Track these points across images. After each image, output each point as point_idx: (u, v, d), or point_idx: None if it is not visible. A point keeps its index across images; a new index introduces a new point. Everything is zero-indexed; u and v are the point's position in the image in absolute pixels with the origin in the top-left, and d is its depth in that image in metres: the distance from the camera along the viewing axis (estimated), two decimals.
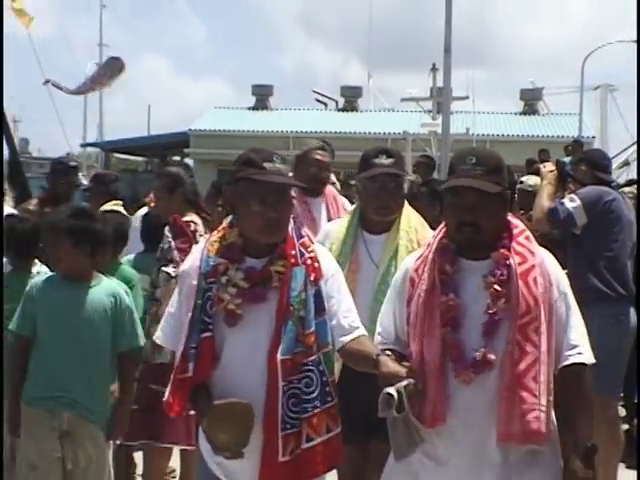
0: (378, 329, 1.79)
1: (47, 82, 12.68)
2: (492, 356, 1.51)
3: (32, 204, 4.16)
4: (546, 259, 1.64)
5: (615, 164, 7.54)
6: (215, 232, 1.80)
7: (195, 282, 1.68)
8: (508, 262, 1.55)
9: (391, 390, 1.43)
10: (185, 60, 65.20)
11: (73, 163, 5.15)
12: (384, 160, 2.34)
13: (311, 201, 3.24)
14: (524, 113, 22.02)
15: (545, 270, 1.59)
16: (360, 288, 2.25)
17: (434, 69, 13.95)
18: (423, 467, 1.60)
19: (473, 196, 1.56)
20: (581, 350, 1.59)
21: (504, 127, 19.07)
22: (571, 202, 3.14)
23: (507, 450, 1.53)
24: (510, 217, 1.70)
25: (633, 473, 2.20)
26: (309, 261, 1.70)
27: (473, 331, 1.55)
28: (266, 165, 1.65)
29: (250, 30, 63.65)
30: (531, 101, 21.97)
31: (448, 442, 1.56)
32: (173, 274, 2.74)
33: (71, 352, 2.34)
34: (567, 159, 5.06)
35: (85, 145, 14.71)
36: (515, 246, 1.59)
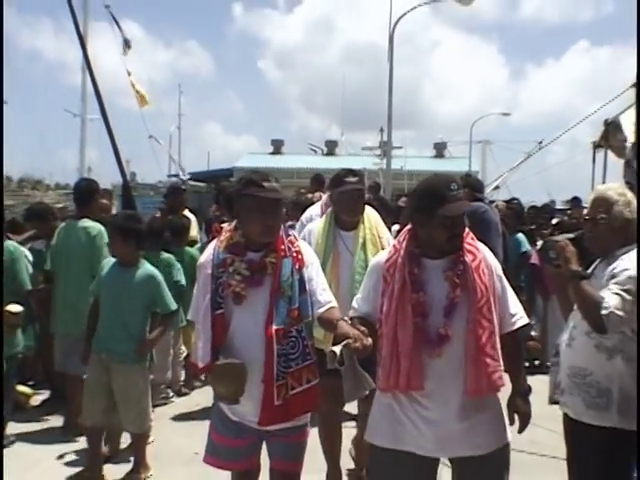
0: (354, 304, 2.24)
1: (150, 137, 18.84)
2: (450, 332, 1.96)
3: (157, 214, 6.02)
4: (486, 253, 2.14)
5: (489, 188, 11.62)
6: (223, 233, 2.31)
7: (210, 272, 2.21)
8: (462, 259, 2.02)
9: (334, 348, 1.87)
10: (231, 123, 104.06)
11: (183, 187, 7.38)
12: (352, 179, 3.14)
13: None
14: (436, 157, 34.47)
15: (487, 262, 2.09)
16: (342, 271, 3.05)
17: (381, 130, 22.32)
18: (406, 416, 2.01)
19: (462, 215, 2.07)
20: (520, 315, 2.12)
21: (424, 165, 27.41)
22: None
23: (470, 399, 1.98)
24: None
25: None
26: (295, 254, 2.23)
27: (437, 315, 1.99)
28: (264, 184, 2.14)
29: (270, 105, 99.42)
30: (440, 150, 34.47)
31: (427, 399, 1.98)
32: None
33: (113, 317, 3.41)
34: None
35: (170, 176, 21.02)
36: (466, 245, 2.06)
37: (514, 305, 2.12)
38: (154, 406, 3.92)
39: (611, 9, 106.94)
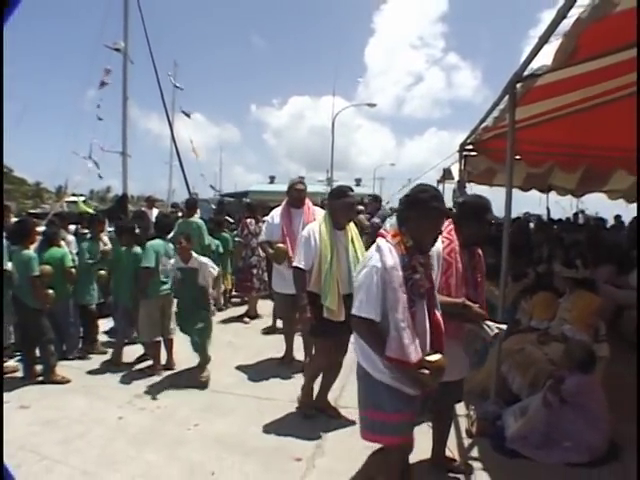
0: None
1: (202, 175, 26.16)
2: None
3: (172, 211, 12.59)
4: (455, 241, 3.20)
5: (384, 203, 13.48)
6: (388, 236, 2.64)
7: (401, 273, 2.52)
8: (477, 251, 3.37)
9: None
10: (247, 167, 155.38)
11: (226, 200, 14.61)
12: (350, 193, 4.37)
13: (294, 211, 5.51)
14: (356, 186, 44.74)
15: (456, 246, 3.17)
16: (342, 260, 4.19)
17: (327, 172, 35.63)
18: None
19: None
20: None
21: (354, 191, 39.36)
22: (374, 218, 8.18)
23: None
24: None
25: None
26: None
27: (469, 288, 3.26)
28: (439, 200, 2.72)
29: (268, 158, 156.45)
30: (358, 182, 51.72)
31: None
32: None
33: (122, 278, 5.87)
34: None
35: (216, 195, 28.32)
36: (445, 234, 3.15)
37: None
38: None
39: (448, 112, 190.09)
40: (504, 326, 3.08)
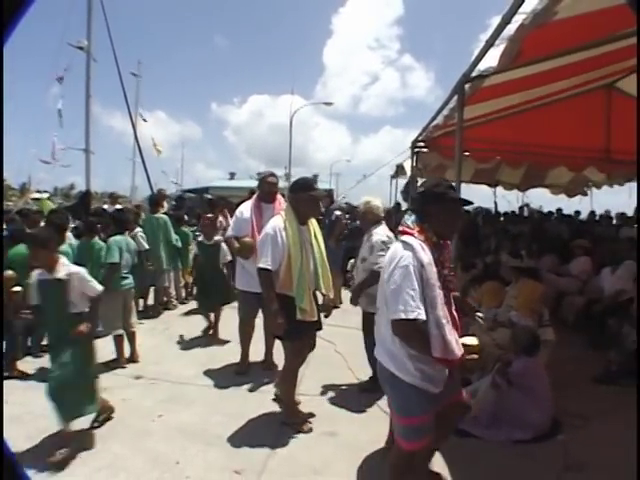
0: None
1: (163, 172, 24.67)
2: None
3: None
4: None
5: (339, 197, 17.32)
6: (415, 233, 2.56)
7: (435, 269, 2.49)
8: None
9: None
10: (208, 163, 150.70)
11: (187, 195, 17.30)
12: (316, 187, 4.16)
13: (265, 205, 5.19)
14: None
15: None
16: (309, 259, 4.05)
17: (285, 168, 34.45)
18: None
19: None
20: None
21: None
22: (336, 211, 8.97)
23: None
24: None
25: None
26: None
27: None
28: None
29: (229, 154, 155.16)
30: (315, 178, 47.08)
31: None
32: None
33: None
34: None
35: (178, 191, 30.40)
36: None
37: None
38: None
39: (402, 110, 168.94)
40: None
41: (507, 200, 13.96)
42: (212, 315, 6.80)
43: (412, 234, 2.58)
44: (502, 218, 13.73)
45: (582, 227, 11.50)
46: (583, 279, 7.78)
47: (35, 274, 3.68)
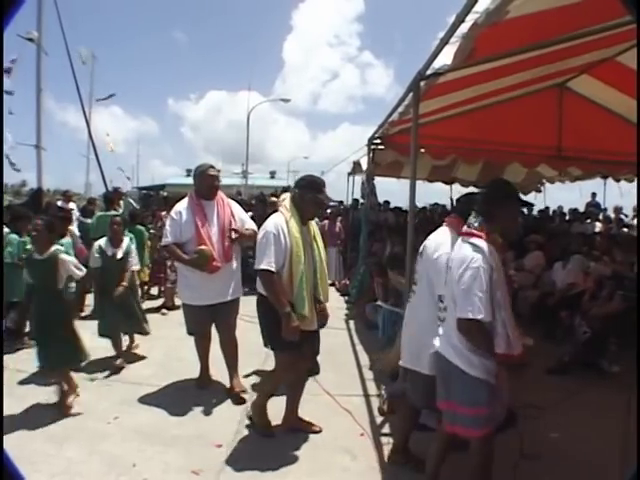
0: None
1: (119, 168, 24.36)
2: None
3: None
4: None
5: None
6: (483, 234, 2.60)
7: (502, 271, 2.56)
8: None
9: None
10: (165, 160, 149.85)
11: (151, 193, 19.43)
12: (325, 189, 3.79)
13: (205, 203, 4.56)
14: (271, 178, 60.16)
15: None
16: (310, 262, 3.74)
17: (243, 165, 38.60)
18: None
19: None
20: None
21: (264, 182, 48.36)
22: None
23: None
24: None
25: None
26: None
27: None
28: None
29: (185, 151, 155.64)
30: (273, 174, 62.88)
31: None
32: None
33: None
34: None
35: (134, 188, 29.03)
36: None
37: None
38: None
39: (361, 107, 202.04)
40: None
41: None
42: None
43: (480, 236, 2.63)
44: None
45: (536, 223, 11.83)
46: (537, 273, 8.01)
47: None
